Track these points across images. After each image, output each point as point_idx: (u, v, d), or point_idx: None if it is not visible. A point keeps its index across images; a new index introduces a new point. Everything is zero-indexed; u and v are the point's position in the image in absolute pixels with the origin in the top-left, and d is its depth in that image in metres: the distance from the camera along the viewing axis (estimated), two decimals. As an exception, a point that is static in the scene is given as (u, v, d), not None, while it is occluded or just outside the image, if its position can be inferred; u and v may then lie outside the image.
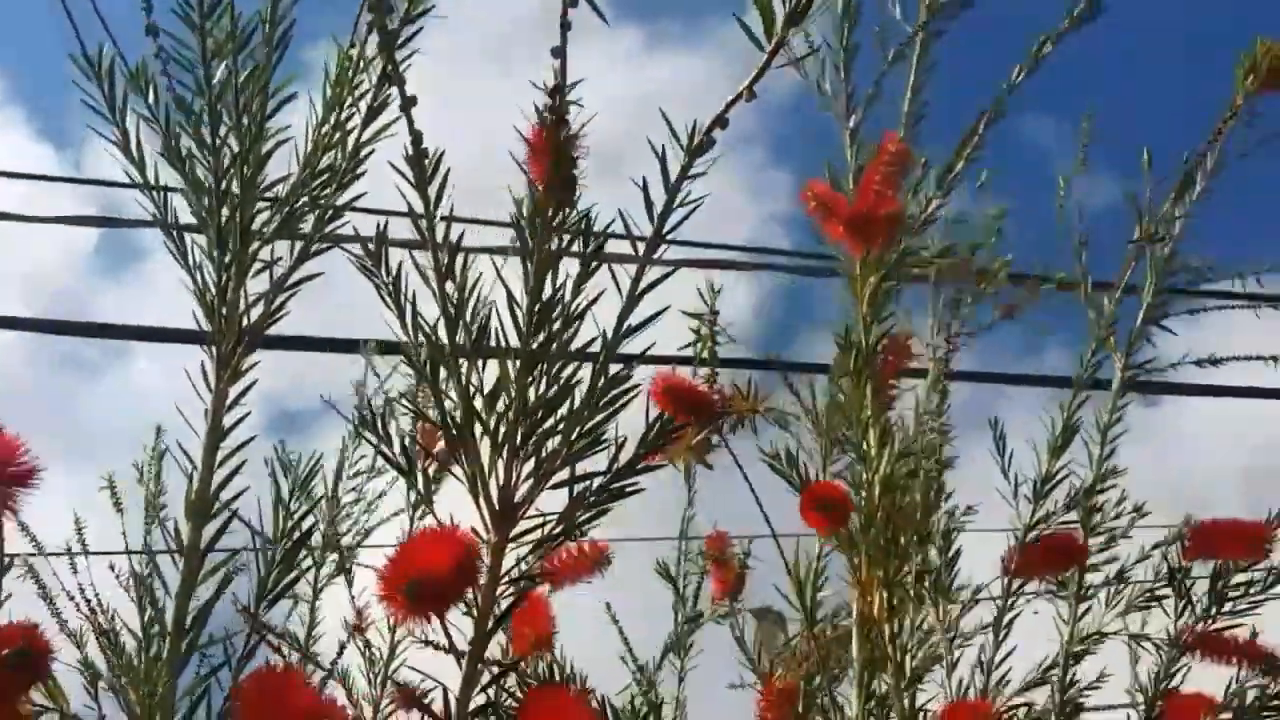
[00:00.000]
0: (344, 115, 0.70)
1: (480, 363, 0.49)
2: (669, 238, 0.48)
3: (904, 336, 1.07)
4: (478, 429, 0.48)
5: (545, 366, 0.47)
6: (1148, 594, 1.02)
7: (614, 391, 0.46)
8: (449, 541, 0.43)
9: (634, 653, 1.15)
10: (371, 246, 0.51)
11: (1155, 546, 1.04)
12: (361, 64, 0.68)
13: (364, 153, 0.70)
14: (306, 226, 0.71)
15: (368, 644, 0.93)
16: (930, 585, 1.03)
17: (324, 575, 1.02)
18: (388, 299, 0.53)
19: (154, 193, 0.71)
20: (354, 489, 1.02)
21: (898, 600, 0.92)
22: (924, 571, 1.03)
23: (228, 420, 0.68)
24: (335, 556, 1.00)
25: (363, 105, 0.68)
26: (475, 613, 0.49)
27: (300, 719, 0.43)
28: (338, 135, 0.69)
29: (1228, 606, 0.97)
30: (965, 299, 1.13)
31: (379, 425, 0.51)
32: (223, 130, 0.69)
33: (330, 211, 0.68)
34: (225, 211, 0.70)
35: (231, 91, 0.69)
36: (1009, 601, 0.98)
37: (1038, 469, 1.00)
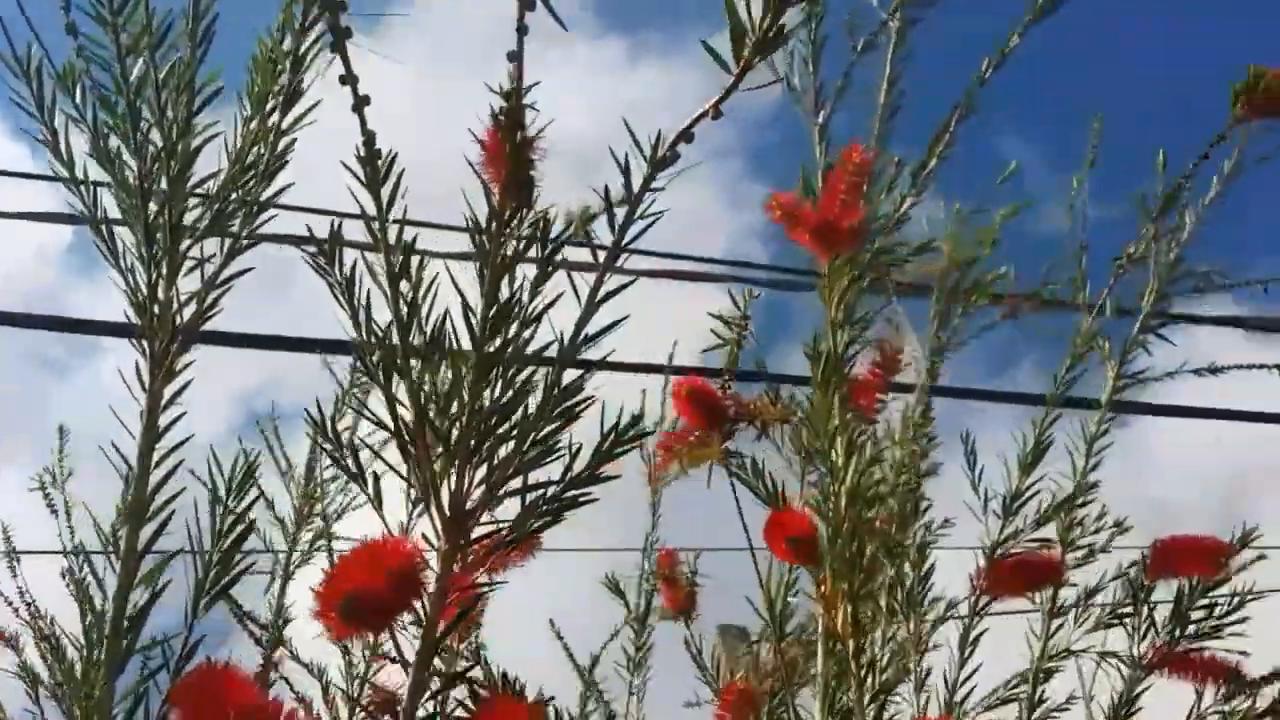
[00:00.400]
0: (268, 108, 0.73)
1: (435, 366, 0.52)
2: (639, 247, 0.51)
3: (893, 349, 1.11)
4: (429, 434, 0.51)
5: (500, 372, 0.50)
6: (1113, 613, 1.08)
7: (569, 400, 0.50)
8: (389, 555, 0.45)
9: (578, 664, 1.19)
10: (325, 245, 0.54)
11: (1132, 565, 1.10)
12: (282, 56, 0.71)
13: (284, 142, 0.73)
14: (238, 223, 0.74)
15: (346, 648, 0.96)
16: (903, 599, 1.08)
17: (296, 559, 1.03)
18: (340, 299, 0.56)
19: (83, 190, 0.74)
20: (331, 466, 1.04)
21: (864, 615, 0.96)
22: (895, 585, 1.07)
23: (163, 420, 0.71)
24: (310, 536, 1.02)
25: (281, 96, 0.71)
26: (423, 621, 0.52)
27: (238, 717, 0.45)
28: (264, 128, 0.72)
29: (1191, 629, 1.03)
30: (955, 304, 1.18)
31: (328, 428, 0.54)
32: (145, 127, 0.72)
33: (257, 206, 0.70)
34: (153, 208, 0.72)
35: (151, 88, 0.71)
36: (974, 619, 1.03)
37: (1008, 485, 1.05)
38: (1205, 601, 1.03)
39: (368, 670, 0.90)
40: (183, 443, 0.69)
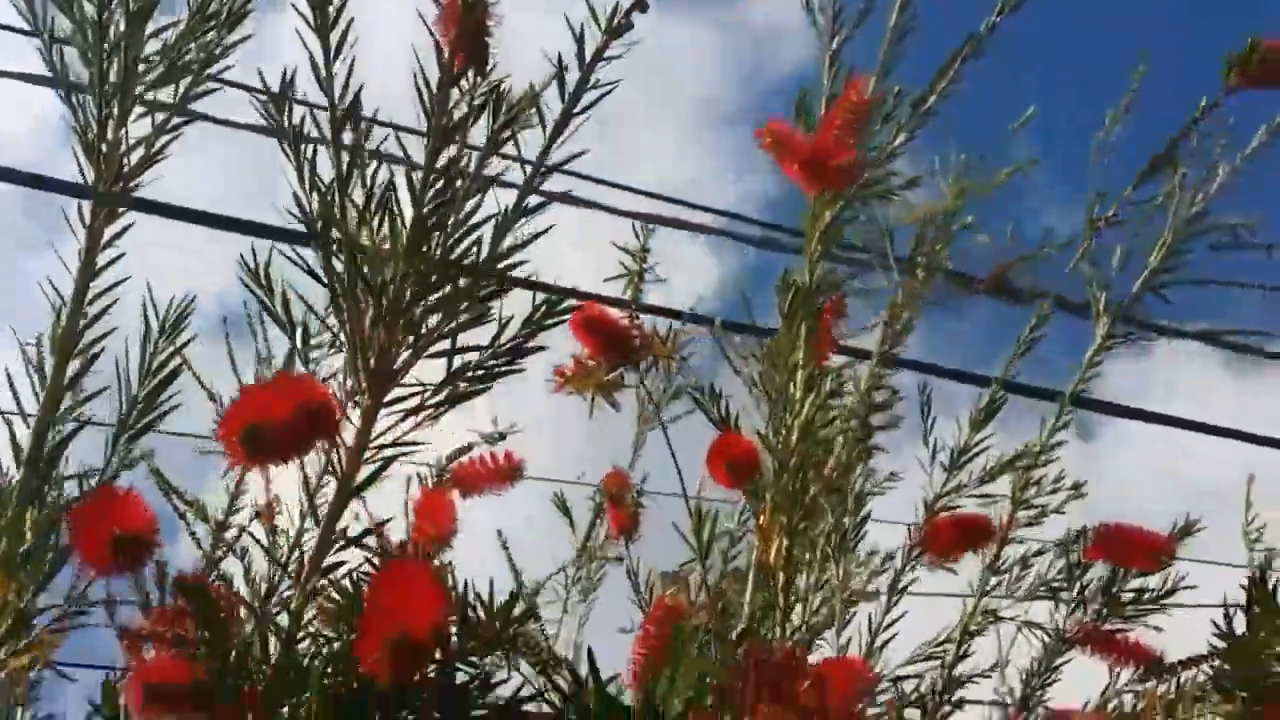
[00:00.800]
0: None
1: (376, 226, 0.54)
2: (640, 187, 0.53)
3: (841, 301, 1.14)
4: (363, 290, 0.53)
5: (439, 236, 0.52)
6: (1046, 585, 1.12)
7: (503, 265, 0.52)
8: (300, 390, 0.48)
9: (519, 576, 1.23)
10: (275, 95, 0.55)
11: (1075, 536, 1.14)
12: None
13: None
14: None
15: (274, 529, 0.98)
16: (837, 544, 1.12)
17: None
18: (287, 150, 0.57)
19: (43, 38, 0.74)
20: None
21: (799, 551, 1.00)
22: (833, 531, 1.12)
23: (101, 259, 0.72)
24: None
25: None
26: (337, 476, 0.55)
27: (121, 533, 0.48)
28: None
29: (1119, 610, 1.08)
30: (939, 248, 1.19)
31: (261, 275, 0.56)
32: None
33: (219, 51, 0.71)
34: (108, 47, 0.73)
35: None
36: (906, 569, 1.07)
37: (957, 439, 1.09)
38: (1136, 585, 1.08)
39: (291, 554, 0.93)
40: (119, 284, 0.71)
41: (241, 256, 0.56)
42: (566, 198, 0.53)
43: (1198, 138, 1.01)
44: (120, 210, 0.73)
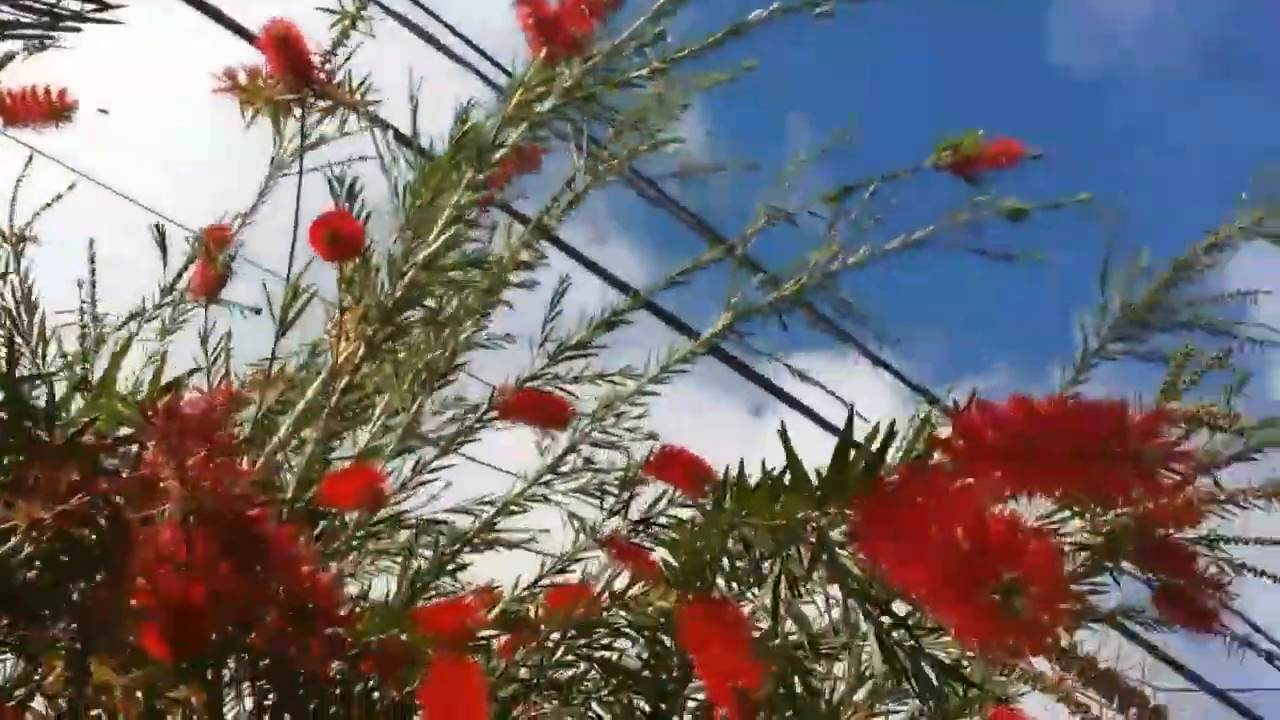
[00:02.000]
0: None
1: None
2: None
3: (538, 150, 1.17)
4: None
5: None
6: (600, 487, 1.26)
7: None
8: None
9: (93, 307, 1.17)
10: None
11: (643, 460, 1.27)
12: None
13: None
14: None
15: None
16: (423, 381, 1.17)
17: None
18: None
19: None
20: None
21: (371, 362, 1.03)
22: (425, 368, 1.16)
23: None
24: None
25: None
26: None
27: None
28: None
29: (649, 531, 1.23)
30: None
31: None
32: None
33: None
34: None
35: None
36: (477, 420, 1.15)
37: (572, 333, 1.17)
38: (672, 515, 1.23)
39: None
40: None
41: None
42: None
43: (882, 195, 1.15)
44: None
